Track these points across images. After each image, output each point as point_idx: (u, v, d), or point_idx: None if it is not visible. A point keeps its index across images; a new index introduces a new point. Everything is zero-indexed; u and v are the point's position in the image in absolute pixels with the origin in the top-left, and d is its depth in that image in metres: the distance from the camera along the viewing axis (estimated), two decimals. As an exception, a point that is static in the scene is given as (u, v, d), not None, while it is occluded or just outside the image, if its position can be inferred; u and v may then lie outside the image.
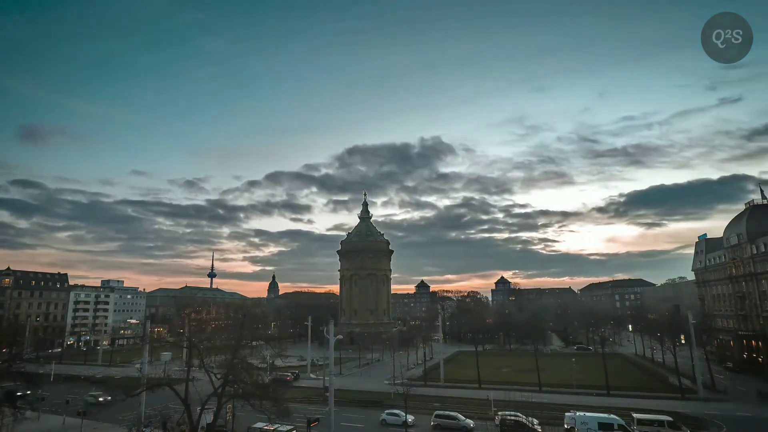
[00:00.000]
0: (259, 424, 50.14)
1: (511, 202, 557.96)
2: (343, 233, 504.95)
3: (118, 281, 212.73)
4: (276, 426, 48.85)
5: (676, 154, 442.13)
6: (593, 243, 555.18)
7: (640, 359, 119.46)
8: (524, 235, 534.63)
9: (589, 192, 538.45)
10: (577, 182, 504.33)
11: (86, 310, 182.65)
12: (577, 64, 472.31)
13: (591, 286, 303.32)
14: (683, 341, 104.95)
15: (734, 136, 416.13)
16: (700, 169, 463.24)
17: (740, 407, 66.37)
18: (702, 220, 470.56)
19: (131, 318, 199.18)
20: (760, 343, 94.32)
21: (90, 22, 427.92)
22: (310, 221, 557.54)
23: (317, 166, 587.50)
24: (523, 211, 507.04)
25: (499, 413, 56.78)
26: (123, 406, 58.27)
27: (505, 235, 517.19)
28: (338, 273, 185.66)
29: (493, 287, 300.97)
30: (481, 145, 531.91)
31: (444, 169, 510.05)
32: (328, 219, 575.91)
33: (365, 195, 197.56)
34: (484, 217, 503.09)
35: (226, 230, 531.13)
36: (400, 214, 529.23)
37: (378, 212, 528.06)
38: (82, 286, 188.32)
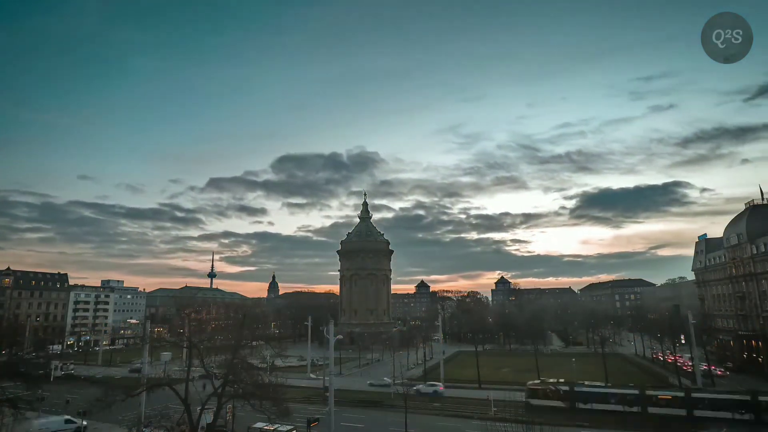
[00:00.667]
0: (259, 424, 50.12)
1: (468, 205, 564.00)
2: (311, 234, 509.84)
3: (118, 281, 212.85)
4: (276, 426, 48.83)
5: (618, 161, 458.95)
6: (566, 244, 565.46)
7: (640, 359, 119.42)
8: (495, 236, 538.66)
9: (545, 196, 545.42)
10: (531, 187, 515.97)
11: (86, 310, 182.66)
12: (507, 73, 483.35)
13: (591, 286, 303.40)
14: (683, 341, 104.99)
15: (668, 143, 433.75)
16: (646, 175, 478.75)
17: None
18: (657, 222, 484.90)
19: (131, 318, 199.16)
20: (760, 343, 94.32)
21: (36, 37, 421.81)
22: (270, 223, 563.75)
23: (257, 172, 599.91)
24: (484, 212, 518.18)
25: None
26: (123, 406, 58.25)
27: (475, 236, 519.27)
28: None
29: (493, 287, 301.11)
30: (420, 153, 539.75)
31: (388, 176, 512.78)
32: (288, 221, 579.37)
33: (365, 195, 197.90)
34: (445, 218, 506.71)
35: (193, 232, 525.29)
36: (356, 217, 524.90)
37: (335, 213, 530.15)
38: (82, 286, 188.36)
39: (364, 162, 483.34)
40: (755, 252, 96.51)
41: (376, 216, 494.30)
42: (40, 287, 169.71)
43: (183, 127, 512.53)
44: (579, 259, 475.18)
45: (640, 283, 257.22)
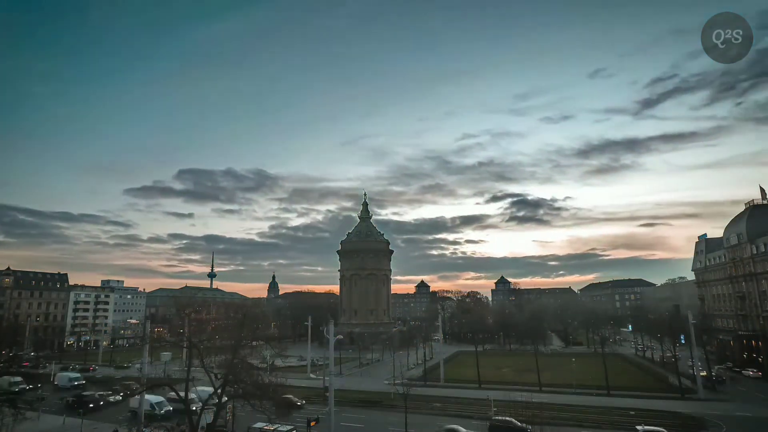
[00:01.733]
0: (259, 424, 50.12)
1: (402, 210, 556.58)
2: (256, 237, 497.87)
3: (118, 281, 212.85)
4: (276, 426, 48.83)
5: (530, 171, 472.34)
6: (511, 247, 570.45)
7: (640, 359, 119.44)
8: (449, 236, 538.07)
9: (475, 202, 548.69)
10: (460, 194, 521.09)
11: (86, 310, 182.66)
12: (401, 88, 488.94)
13: (591, 286, 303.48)
14: (683, 341, 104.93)
15: (564, 154, 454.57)
16: (562, 184, 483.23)
17: (740, 407, 66.38)
18: (589, 227, 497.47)
19: (131, 318, 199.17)
20: (760, 343, 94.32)
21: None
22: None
23: (164, 182, 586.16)
24: (427, 217, 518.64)
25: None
26: (123, 406, 58.28)
27: (428, 237, 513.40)
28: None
29: (493, 287, 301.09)
30: (335, 165, 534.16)
31: (307, 185, 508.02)
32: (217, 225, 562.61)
33: (365, 195, 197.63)
34: (385, 219, 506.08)
35: (143, 234, 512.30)
36: (294, 219, 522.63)
37: (266, 214, 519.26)
38: (83, 286, 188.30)
39: (277, 177, 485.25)
40: (755, 252, 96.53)
41: (307, 219, 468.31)
42: (40, 287, 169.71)
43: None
44: (538, 260, 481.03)
45: (640, 283, 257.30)
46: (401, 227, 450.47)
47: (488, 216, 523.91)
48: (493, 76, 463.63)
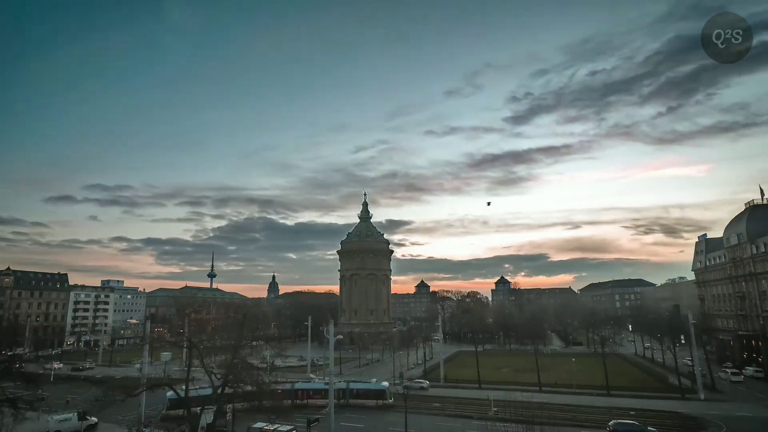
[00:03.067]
0: (259, 424, 50.13)
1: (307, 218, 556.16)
2: (190, 239, 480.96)
3: (118, 281, 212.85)
4: (276, 426, 48.85)
5: (436, 182, 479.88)
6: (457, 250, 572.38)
7: (640, 359, 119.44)
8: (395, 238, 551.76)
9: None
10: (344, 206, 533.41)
11: (86, 310, 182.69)
12: (297, 97, 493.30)
13: (591, 286, 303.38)
14: (683, 341, 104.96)
15: (459, 166, 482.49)
16: (471, 195, 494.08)
17: (740, 407, 66.38)
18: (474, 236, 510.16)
19: (131, 318, 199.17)
20: (760, 343, 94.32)
21: None
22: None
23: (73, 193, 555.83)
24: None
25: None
26: (123, 406, 58.25)
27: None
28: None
29: (493, 287, 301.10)
30: (242, 177, 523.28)
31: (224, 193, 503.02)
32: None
33: (365, 195, 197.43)
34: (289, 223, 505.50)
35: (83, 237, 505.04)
36: (210, 221, 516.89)
37: (174, 215, 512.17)
38: (83, 286, 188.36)
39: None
40: (755, 252, 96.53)
41: (221, 223, 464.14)
42: (40, 287, 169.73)
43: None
44: (485, 261, 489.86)
45: (640, 283, 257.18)
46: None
47: (411, 221, 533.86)
48: (375, 90, 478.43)
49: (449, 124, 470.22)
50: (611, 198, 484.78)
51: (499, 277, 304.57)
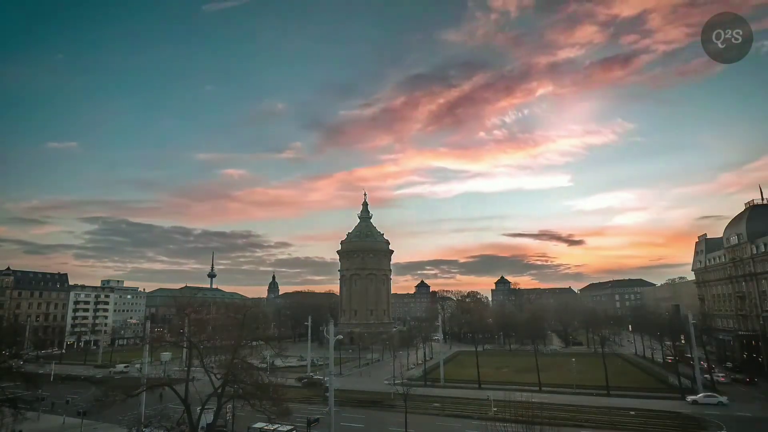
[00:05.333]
0: (259, 424, 50.13)
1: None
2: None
3: (118, 281, 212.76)
4: (276, 426, 48.83)
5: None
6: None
7: (640, 359, 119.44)
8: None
9: None
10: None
11: (86, 310, 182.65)
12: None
13: (591, 286, 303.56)
14: (683, 341, 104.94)
15: None
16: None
17: (740, 407, 66.36)
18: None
19: (131, 318, 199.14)
20: (760, 343, 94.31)
21: None
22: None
23: None
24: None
25: None
26: (123, 406, 58.25)
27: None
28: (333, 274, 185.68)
29: (493, 287, 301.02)
30: None
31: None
32: None
33: (365, 195, 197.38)
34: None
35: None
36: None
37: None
38: (83, 286, 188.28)
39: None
40: (755, 252, 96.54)
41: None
42: (40, 287, 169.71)
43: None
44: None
45: (640, 283, 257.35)
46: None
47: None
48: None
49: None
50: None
51: (499, 277, 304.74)
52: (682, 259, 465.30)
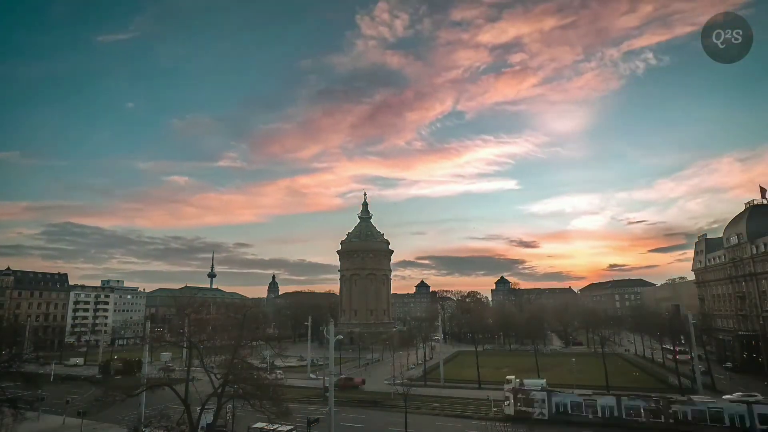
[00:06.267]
0: (259, 424, 50.10)
1: None
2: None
3: (118, 281, 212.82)
4: (276, 426, 48.81)
5: None
6: None
7: (640, 359, 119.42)
8: None
9: None
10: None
11: (86, 310, 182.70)
12: None
13: (591, 286, 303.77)
14: (683, 341, 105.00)
15: None
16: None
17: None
18: None
19: (131, 318, 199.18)
20: (760, 343, 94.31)
21: None
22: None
23: None
24: None
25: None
26: (123, 406, 58.27)
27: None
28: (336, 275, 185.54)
29: (493, 287, 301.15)
30: None
31: None
32: None
33: (365, 195, 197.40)
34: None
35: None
36: None
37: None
38: (83, 286, 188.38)
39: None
40: (755, 252, 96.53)
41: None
42: (40, 287, 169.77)
43: None
44: None
45: (640, 283, 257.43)
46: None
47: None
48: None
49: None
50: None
51: (499, 277, 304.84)
52: (638, 262, 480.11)
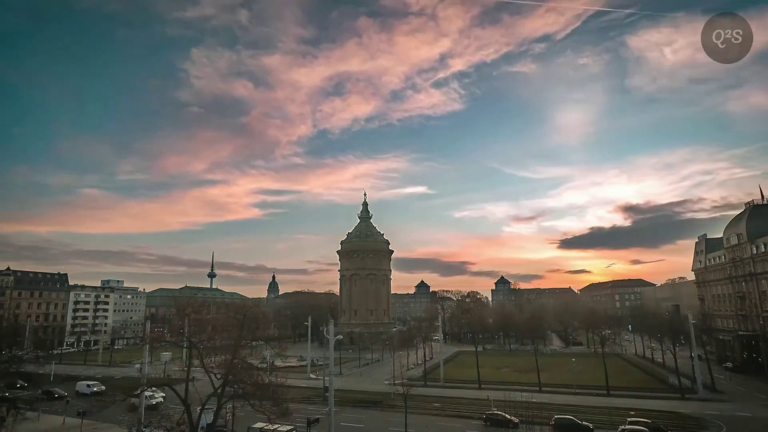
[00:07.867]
0: (259, 424, 50.10)
1: None
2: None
3: (118, 281, 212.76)
4: (276, 426, 48.79)
5: None
6: None
7: (640, 359, 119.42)
8: None
9: None
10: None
11: (86, 310, 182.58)
12: None
13: (591, 286, 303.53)
14: (683, 341, 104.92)
15: None
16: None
17: (740, 407, 66.35)
18: None
19: (131, 318, 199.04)
20: (760, 343, 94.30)
21: None
22: None
23: None
24: None
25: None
26: (123, 406, 58.25)
27: None
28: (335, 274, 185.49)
29: (493, 287, 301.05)
30: None
31: None
32: None
33: (365, 195, 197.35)
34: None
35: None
36: None
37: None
38: (83, 286, 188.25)
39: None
40: (755, 252, 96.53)
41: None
42: (40, 287, 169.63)
43: None
44: None
45: (640, 283, 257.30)
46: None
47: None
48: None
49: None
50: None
51: (498, 278, 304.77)
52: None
